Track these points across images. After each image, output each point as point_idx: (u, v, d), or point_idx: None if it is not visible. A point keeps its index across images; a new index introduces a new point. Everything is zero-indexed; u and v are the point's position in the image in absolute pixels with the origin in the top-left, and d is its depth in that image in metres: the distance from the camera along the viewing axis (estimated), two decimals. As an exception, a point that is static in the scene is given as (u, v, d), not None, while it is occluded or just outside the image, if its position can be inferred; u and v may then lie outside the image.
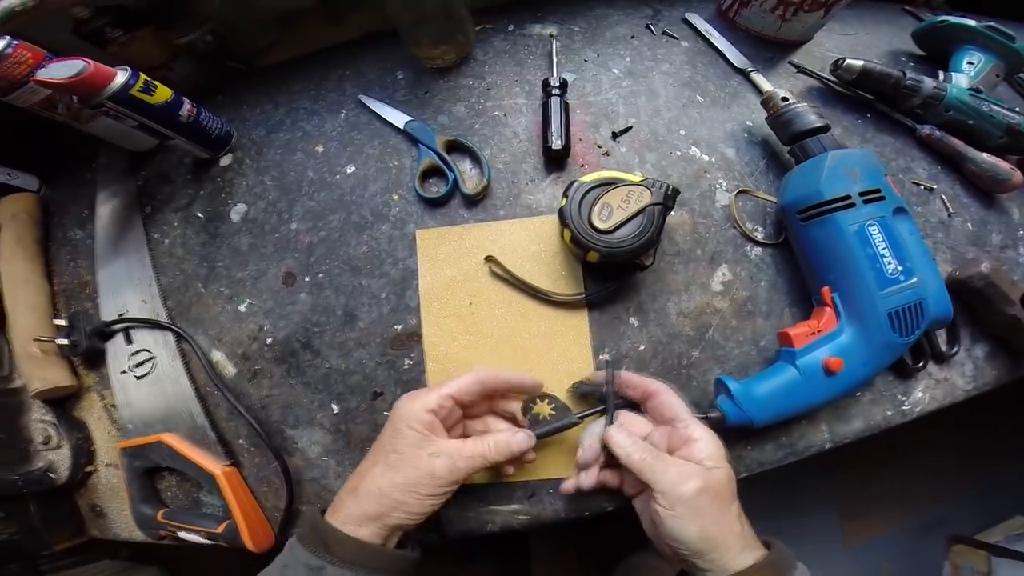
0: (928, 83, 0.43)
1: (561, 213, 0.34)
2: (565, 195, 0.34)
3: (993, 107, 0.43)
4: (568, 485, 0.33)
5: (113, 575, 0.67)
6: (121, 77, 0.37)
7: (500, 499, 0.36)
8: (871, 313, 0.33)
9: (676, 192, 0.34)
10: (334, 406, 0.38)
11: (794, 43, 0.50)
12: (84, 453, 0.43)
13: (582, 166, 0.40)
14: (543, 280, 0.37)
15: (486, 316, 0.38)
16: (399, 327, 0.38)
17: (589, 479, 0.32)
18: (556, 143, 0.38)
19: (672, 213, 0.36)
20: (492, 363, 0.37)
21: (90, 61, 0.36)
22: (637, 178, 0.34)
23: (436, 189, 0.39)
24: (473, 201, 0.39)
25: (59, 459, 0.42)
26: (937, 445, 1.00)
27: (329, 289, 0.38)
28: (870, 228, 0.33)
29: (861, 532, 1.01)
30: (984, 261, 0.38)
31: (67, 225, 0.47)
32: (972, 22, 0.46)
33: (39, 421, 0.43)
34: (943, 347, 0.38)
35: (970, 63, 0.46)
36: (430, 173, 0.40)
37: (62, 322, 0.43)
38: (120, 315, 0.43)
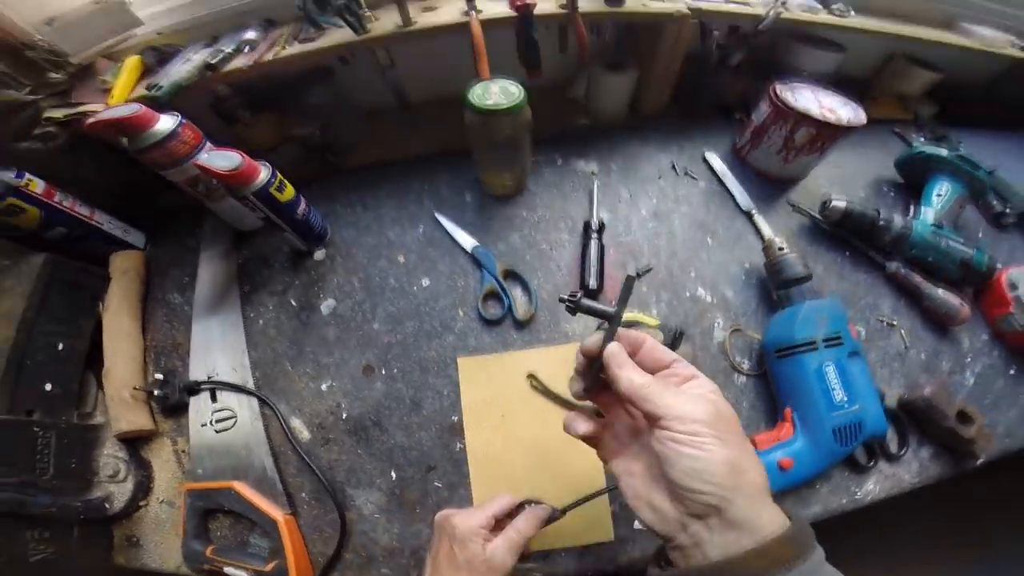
0: (897, 222, 0.55)
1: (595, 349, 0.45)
2: (599, 328, 0.46)
3: (950, 243, 0.55)
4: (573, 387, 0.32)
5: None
6: (264, 175, 0.46)
7: (521, 559, 0.46)
8: (820, 429, 0.44)
9: (682, 334, 0.46)
10: (393, 474, 0.48)
11: (794, 179, 0.62)
12: (144, 489, 0.51)
13: (611, 301, 0.51)
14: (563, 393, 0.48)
15: (515, 425, 0.48)
16: (455, 418, 0.49)
17: (578, 385, 0.32)
18: (592, 283, 0.50)
19: (680, 347, 0.48)
20: (519, 461, 0.47)
21: (244, 156, 0.44)
22: (654, 321, 0.46)
23: (494, 311, 0.51)
24: (522, 325, 0.50)
25: (119, 492, 0.49)
26: (931, 530, 1.04)
27: (401, 382, 0.49)
28: (826, 367, 0.45)
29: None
30: (927, 387, 0.49)
31: (167, 287, 0.57)
32: (944, 152, 0.58)
33: (111, 456, 0.51)
34: (893, 449, 0.49)
35: (939, 194, 0.58)
36: (490, 296, 0.51)
37: (159, 376, 0.53)
38: (210, 376, 0.53)
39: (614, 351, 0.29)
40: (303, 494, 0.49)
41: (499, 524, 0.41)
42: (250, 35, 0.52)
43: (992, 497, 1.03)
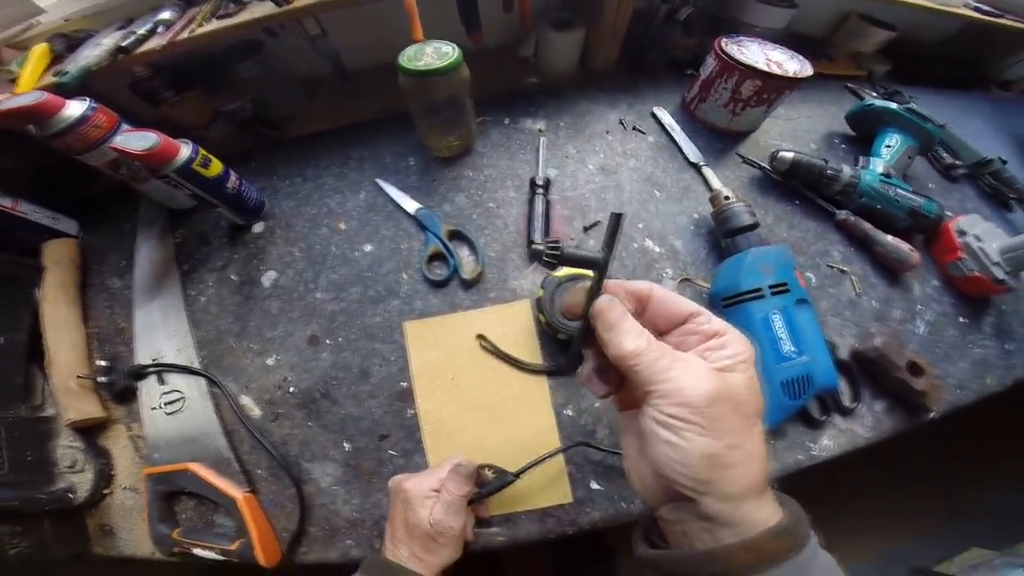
0: (846, 172, 0.57)
1: (538, 303, 0.47)
2: (542, 287, 0.47)
3: (899, 192, 0.56)
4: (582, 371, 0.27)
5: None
6: (185, 152, 0.47)
7: (481, 524, 0.47)
8: (769, 382, 0.45)
9: (628, 287, 0.47)
10: (346, 445, 0.49)
11: (744, 133, 0.64)
12: (105, 477, 0.52)
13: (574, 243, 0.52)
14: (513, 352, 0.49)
15: (466, 387, 0.49)
16: (404, 384, 0.50)
17: (587, 368, 0.27)
18: (538, 238, 0.50)
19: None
20: (472, 423, 0.49)
21: (160, 135, 0.45)
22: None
23: (439, 272, 0.52)
24: (469, 285, 0.51)
25: (81, 482, 0.51)
26: (897, 480, 1.12)
27: (347, 350, 0.50)
28: (773, 316, 0.46)
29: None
30: (878, 337, 0.51)
31: (105, 273, 0.57)
32: (893, 105, 0.60)
33: (67, 447, 0.52)
34: (847, 403, 0.50)
35: (888, 146, 0.60)
36: (435, 258, 0.52)
37: (104, 362, 0.53)
38: (155, 359, 0.53)
39: (602, 308, 0.24)
40: (260, 471, 0.50)
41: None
42: (165, 15, 0.52)
43: (954, 449, 1.09)
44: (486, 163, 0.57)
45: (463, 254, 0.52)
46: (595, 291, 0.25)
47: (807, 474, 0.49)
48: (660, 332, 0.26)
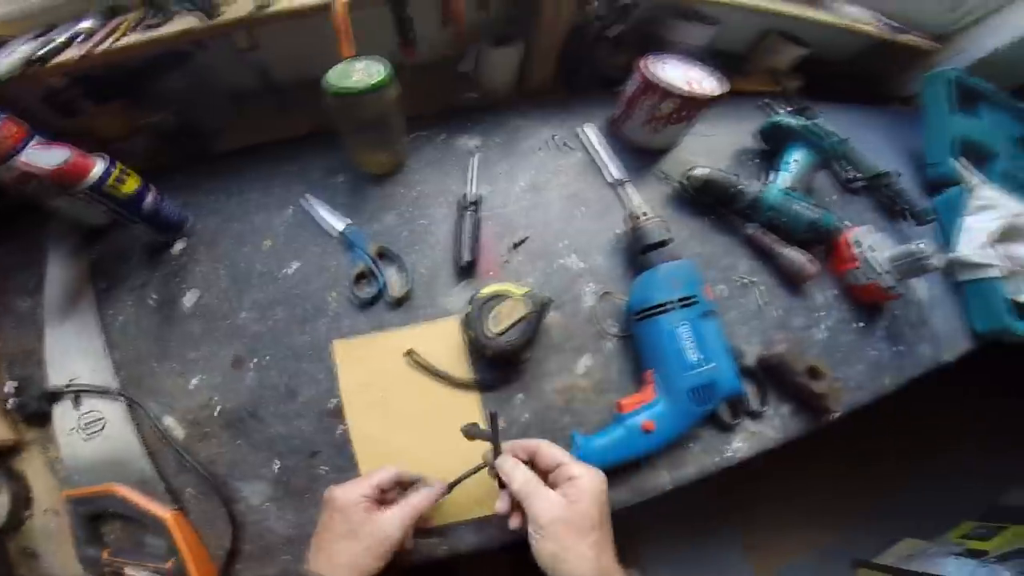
0: (753, 188, 0.61)
1: (466, 319, 0.49)
2: (469, 303, 0.49)
3: (801, 205, 0.61)
4: (497, 506, 0.42)
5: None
6: (99, 168, 0.45)
7: (421, 532, 0.48)
8: (677, 389, 0.48)
9: (549, 302, 0.50)
10: (276, 463, 0.49)
11: (666, 149, 0.68)
12: (21, 500, 0.50)
13: (489, 273, 0.55)
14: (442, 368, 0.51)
15: (396, 403, 0.51)
16: (334, 402, 0.50)
17: (503, 503, 0.42)
18: (466, 257, 0.52)
19: (551, 314, 0.52)
20: (403, 439, 0.50)
21: (73, 150, 0.43)
22: (520, 291, 0.50)
23: (367, 291, 0.53)
24: (397, 303, 0.52)
25: None
26: (831, 473, 1.17)
27: (274, 370, 0.51)
28: (681, 327, 0.50)
29: (769, 562, 1.12)
30: (780, 344, 0.56)
31: (12, 291, 0.54)
32: (795, 122, 0.64)
33: None
34: (755, 407, 0.55)
35: (796, 160, 0.64)
36: (362, 276, 0.53)
37: (13, 384, 0.51)
38: (71, 380, 0.52)
39: (500, 463, 0.42)
40: (189, 489, 0.50)
41: (387, 498, 0.44)
42: (86, 24, 0.50)
43: (877, 445, 1.20)
44: (418, 179, 0.58)
45: (391, 273, 0.54)
46: (494, 455, 0.43)
47: (732, 475, 0.53)
48: (544, 472, 0.41)
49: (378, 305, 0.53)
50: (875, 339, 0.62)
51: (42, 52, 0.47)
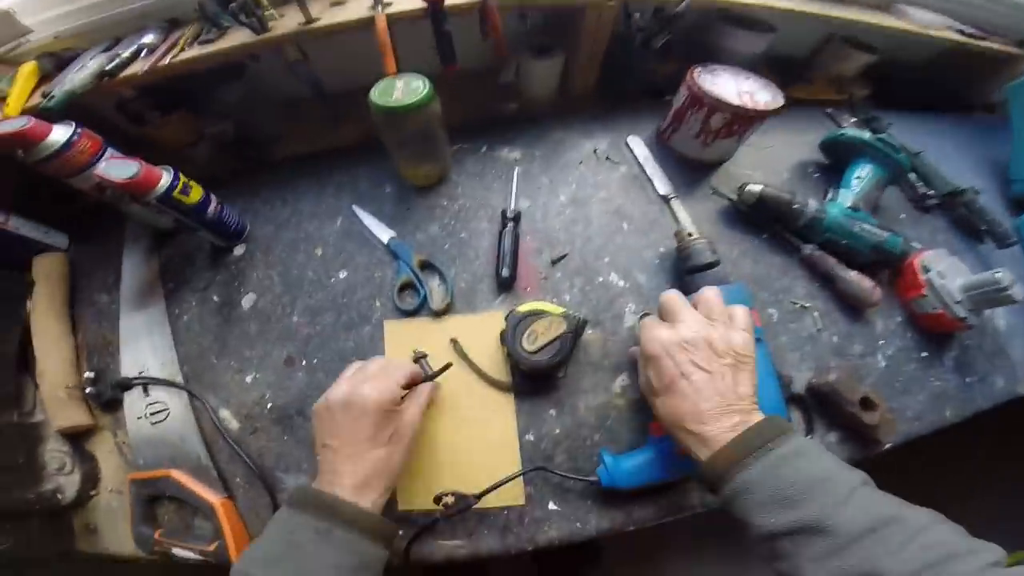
0: (812, 206, 0.59)
1: (502, 335, 0.51)
2: (506, 319, 0.51)
3: (864, 226, 0.59)
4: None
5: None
6: (165, 180, 0.50)
7: (445, 535, 0.50)
8: None
9: (585, 323, 0.51)
10: (317, 457, 0.53)
11: (717, 163, 0.67)
12: (92, 480, 0.57)
13: (526, 289, 0.57)
14: (488, 368, 0.53)
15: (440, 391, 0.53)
16: (374, 405, 0.54)
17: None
18: (505, 272, 0.54)
19: (589, 332, 0.53)
20: (440, 424, 0.53)
21: (142, 164, 0.49)
22: (558, 310, 0.51)
23: (410, 301, 0.56)
24: (438, 315, 0.55)
25: (68, 483, 0.56)
26: None
27: (321, 372, 0.55)
28: None
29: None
30: (832, 372, 0.55)
31: (93, 287, 0.61)
32: (865, 136, 0.62)
33: (56, 451, 0.57)
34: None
35: (859, 177, 0.62)
36: (406, 287, 0.56)
37: (91, 374, 0.58)
38: (141, 372, 0.58)
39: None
40: (237, 479, 0.54)
41: None
42: (149, 38, 0.56)
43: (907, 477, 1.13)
44: (461, 192, 0.60)
45: (433, 284, 0.57)
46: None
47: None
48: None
49: (420, 315, 0.56)
50: (940, 369, 0.59)
51: (110, 66, 0.53)
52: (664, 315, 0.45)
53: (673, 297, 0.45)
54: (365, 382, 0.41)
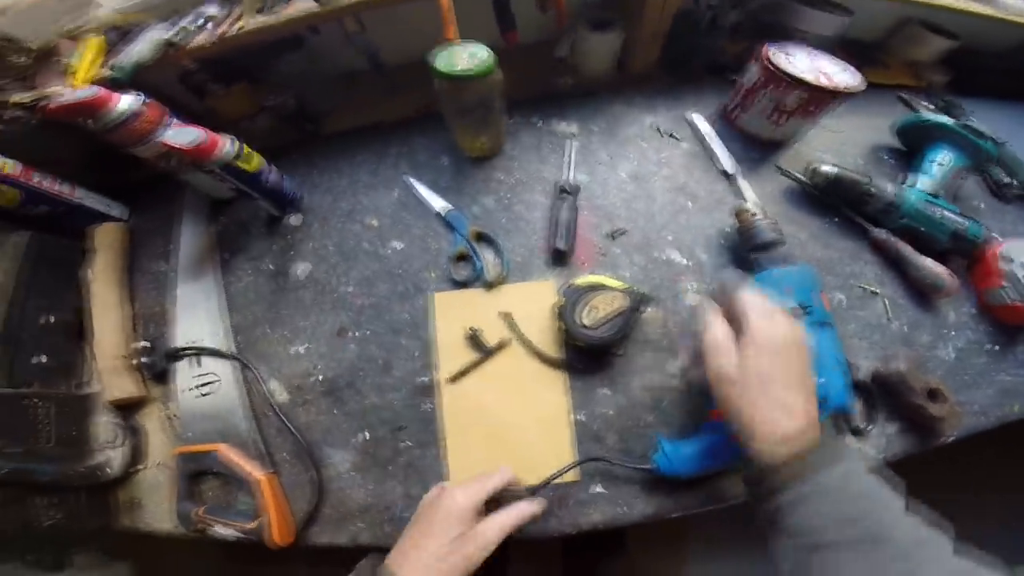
0: (888, 191, 0.57)
1: (558, 310, 0.50)
2: (563, 293, 0.50)
3: (945, 213, 0.57)
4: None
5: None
6: (227, 147, 0.51)
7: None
8: None
9: (647, 299, 0.50)
10: (366, 433, 0.53)
11: (785, 143, 0.65)
12: (139, 453, 0.56)
13: (583, 263, 0.56)
14: (538, 341, 0.53)
15: (490, 365, 0.53)
16: (425, 379, 0.54)
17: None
18: (560, 245, 0.54)
19: (648, 310, 0.52)
20: (490, 398, 0.52)
21: (205, 131, 0.50)
22: (618, 284, 0.50)
23: (465, 273, 0.56)
24: (492, 286, 0.55)
25: (115, 456, 0.55)
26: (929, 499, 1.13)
27: (373, 343, 0.55)
28: None
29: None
30: (901, 361, 0.52)
31: (150, 256, 0.63)
32: (949, 121, 0.59)
33: (108, 423, 0.57)
34: (860, 424, 0.52)
35: (940, 164, 0.60)
36: (461, 258, 0.56)
37: (145, 344, 0.59)
38: (193, 342, 0.58)
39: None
40: (283, 454, 0.54)
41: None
42: (211, 10, 0.57)
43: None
44: (516, 165, 0.60)
45: (488, 256, 0.56)
46: None
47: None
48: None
49: (474, 286, 0.55)
50: (1011, 363, 0.56)
51: (177, 38, 0.54)
52: (727, 307, 0.42)
53: (751, 298, 0.41)
54: (459, 488, 0.42)
